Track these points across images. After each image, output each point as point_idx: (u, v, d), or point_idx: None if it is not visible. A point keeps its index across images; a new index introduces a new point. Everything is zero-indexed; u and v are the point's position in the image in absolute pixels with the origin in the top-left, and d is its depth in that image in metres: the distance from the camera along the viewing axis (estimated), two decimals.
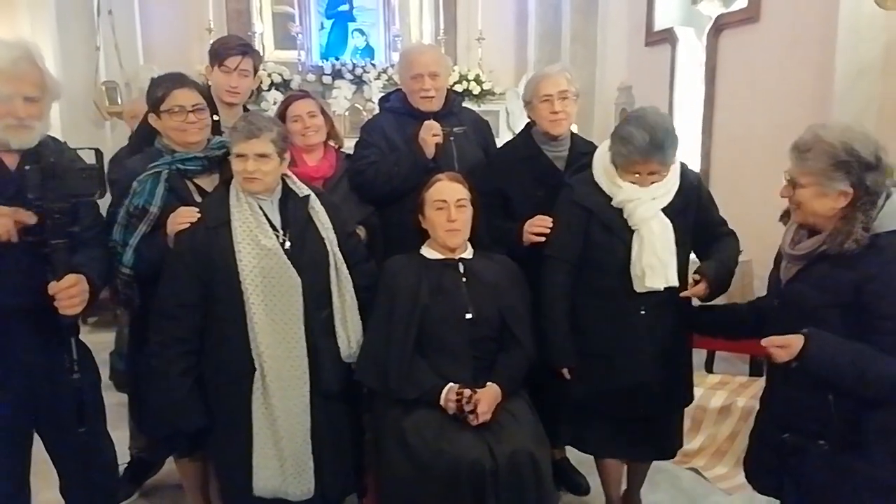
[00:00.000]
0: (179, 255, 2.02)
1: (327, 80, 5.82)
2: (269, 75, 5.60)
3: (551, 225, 2.30)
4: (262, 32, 5.97)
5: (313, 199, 2.15)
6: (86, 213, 1.95)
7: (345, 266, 2.15)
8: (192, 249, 2.01)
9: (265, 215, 2.05)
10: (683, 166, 2.23)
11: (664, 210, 2.13)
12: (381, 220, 2.71)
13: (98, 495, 2.12)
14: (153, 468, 2.89)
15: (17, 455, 1.98)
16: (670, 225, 2.12)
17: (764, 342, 1.69)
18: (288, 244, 2.04)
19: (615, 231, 2.15)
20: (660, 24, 5.18)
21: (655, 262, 2.08)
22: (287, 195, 2.12)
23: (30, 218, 1.75)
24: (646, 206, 2.11)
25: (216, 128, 2.32)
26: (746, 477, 2.06)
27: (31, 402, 1.94)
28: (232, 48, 2.58)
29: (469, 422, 1.98)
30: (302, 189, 2.14)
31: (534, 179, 2.51)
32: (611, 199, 2.15)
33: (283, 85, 5.68)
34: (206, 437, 2.14)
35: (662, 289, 2.10)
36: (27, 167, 1.78)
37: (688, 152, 4.72)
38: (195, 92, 2.16)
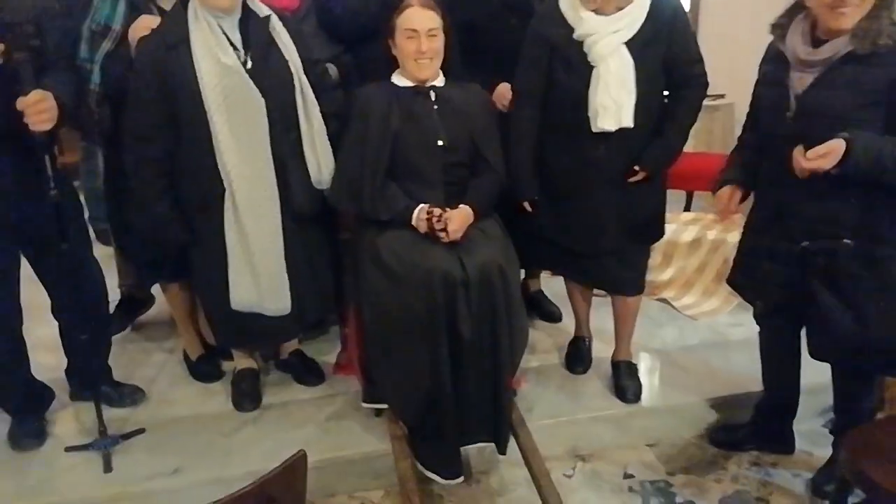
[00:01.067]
0: (142, 76, 2.00)
1: None
2: None
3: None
4: None
5: (275, 20, 2.09)
6: (51, 32, 1.94)
7: (310, 90, 2.13)
8: (153, 69, 1.98)
9: (224, 34, 2.00)
10: None
11: (629, 43, 2.06)
12: (353, 58, 2.64)
13: (89, 316, 2.22)
14: (144, 305, 3.01)
15: (7, 275, 2.06)
16: (631, 62, 2.06)
17: (809, 154, 1.67)
18: (250, 63, 2.01)
19: (574, 67, 2.10)
20: None
21: (609, 102, 2.05)
22: (248, 15, 2.05)
23: None
24: (606, 40, 2.05)
25: None
26: (742, 293, 2.15)
27: (14, 224, 1.99)
28: None
29: (440, 239, 2.04)
30: (263, 9, 2.08)
31: (503, 6, 2.42)
32: (573, 30, 2.09)
33: None
34: (188, 260, 2.23)
35: (614, 130, 2.08)
36: None
37: None
38: None
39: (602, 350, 2.63)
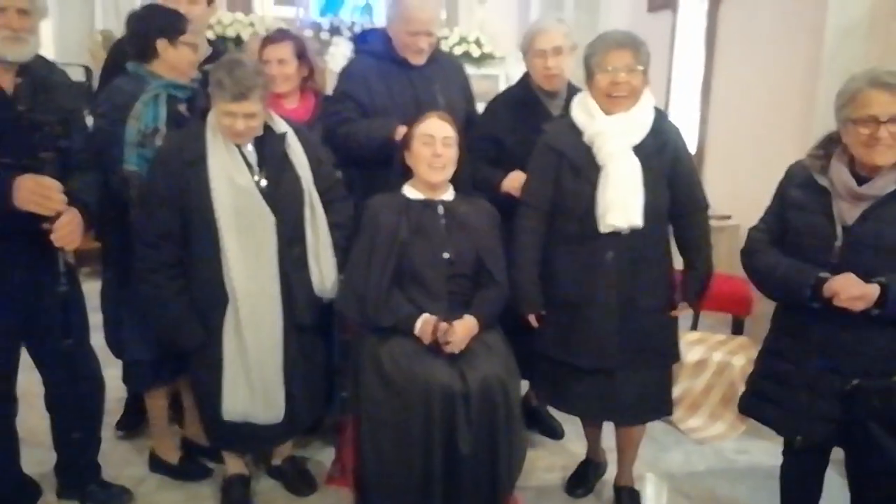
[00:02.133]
0: (154, 187, 2.07)
1: (325, 36, 5.81)
2: (266, 30, 5.59)
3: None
4: None
5: (290, 135, 2.18)
6: (77, 133, 2.03)
7: (319, 204, 2.20)
8: (166, 182, 2.05)
9: (241, 153, 2.08)
10: (660, 112, 2.22)
11: (635, 149, 2.11)
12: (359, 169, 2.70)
13: (84, 411, 2.19)
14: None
15: (5, 363, 2.06)
16: (639, 165, 2.09)
17: (843, 294, 1.71)
18: (264, 182, 2.08)
19: (583, 170, 2.13)
20: None
21: (618, 199, 2.06)
22: (265, 133, 2.14)
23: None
24: (615, 140, 2.09)
25: None
26: (769, 424, 2.02)
27: (19, 314, 2.01)
28: None
29: (443, 351, 2.04)
30: (280, 126, 2.18)
31: (530, 127, 2.48)
32: (582, 135, 2.14)
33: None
34: (187, 363, 2.23)
35: (626, 228, 2.07)
36: (19, 79, 1.85)
37: (685, 119, 4.76)
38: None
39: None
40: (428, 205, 2.25)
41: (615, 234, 2.09)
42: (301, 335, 2.19)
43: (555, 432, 2.89)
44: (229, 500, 2.35)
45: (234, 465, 2.41)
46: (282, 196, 2.10)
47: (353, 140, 2.53)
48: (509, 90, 2.77)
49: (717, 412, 3.05)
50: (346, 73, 2.71)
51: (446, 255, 2.18)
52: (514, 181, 2.41)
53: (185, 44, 2.23)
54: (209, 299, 2.09)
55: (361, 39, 2.80)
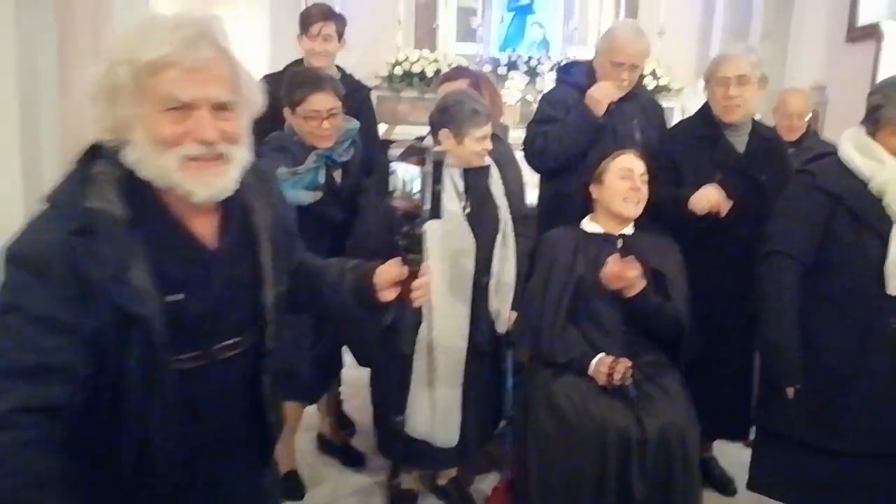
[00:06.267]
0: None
1: (502, 71, 5.97)
2: (448, 65, 5.86)
3: (721, 202, 2.20)
4: (444, 26, 6.21)
5: (493, 169, 2.31)
6: None
7: (512, 234, 2.28)
8: None
9: (452, 181, 2.21)
10: None
11: None
12: (540, 192, 2.77)
13: None
14: None
15: None
16: None
17: None
18: (468, 209, 2.21)
19: (869, 222, 1.84)
20: (864, 18, 4.76)
21: None
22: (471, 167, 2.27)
23: None
24: None
25: None
26: None
27: None
28: (314, 15, 2.76)
29: (621, 394, 1.99)
30: (485, 159, 2.29)
31: (711, 161, 2.41)
32: (866, 184, 1.86)
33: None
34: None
35: None
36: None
37: None
38: (332, 95, 2.24)
39: None
40: (607, 239, 2.24)
41: None
42: (479, 361, 2.26)
43: (727, 488, 2.72)
44: None
45: (406, 480, 2.51)
46: (482, 224, 2.21)
47: (552, 138, 2.54)
48: (689, 119, 2.68)
49: None
50: (547, 99, 2.77)
51: None
52: (705, 198, 2.24)
53: (304, 115, 2.22)
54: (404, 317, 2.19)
55: (565, 71, 2.84)
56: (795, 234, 1.93)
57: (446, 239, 2.15)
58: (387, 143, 2.75)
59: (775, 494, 2.10)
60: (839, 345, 1.89)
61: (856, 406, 1.87)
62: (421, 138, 2.35)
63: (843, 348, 1.88)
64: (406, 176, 1.29)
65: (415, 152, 1.32)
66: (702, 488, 2.08)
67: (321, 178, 2.24)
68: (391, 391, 2.26)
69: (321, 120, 2.22)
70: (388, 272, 1.32)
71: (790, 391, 1.94)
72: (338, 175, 2.35)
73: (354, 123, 2.42)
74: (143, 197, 1.07)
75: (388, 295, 1.32)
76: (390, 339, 2.15)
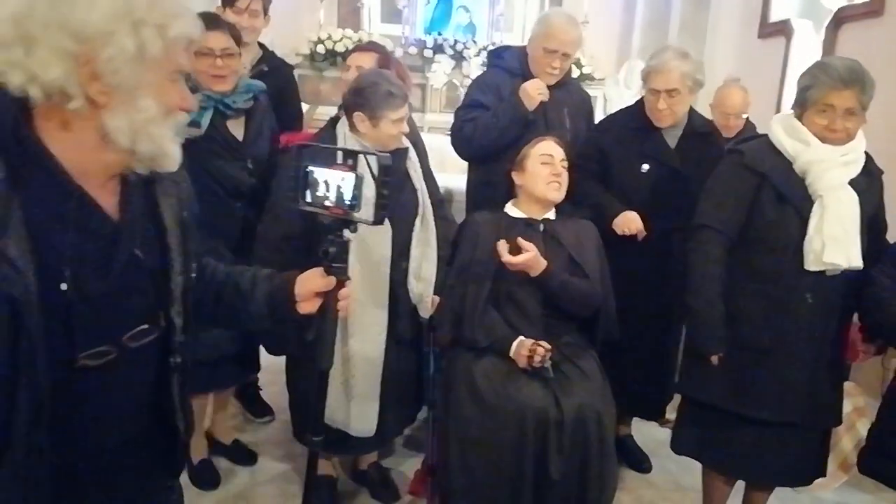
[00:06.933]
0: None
1: (428, 53, 5.93)
2: None
3: (641, 230, 2.33)
4: (368, 6, 6.11)
5: (412, 152, 2.25)
6: None
7: (432, 217, 2.23)
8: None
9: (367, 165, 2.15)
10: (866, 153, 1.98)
11: (850, 184, 1.88)
12: (469, 178, 2.78)
13: None
14: None
15: None
16: (857, 199, 1.87)
17: None
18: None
19: (792, 201, 1.89)
20: (776, 14, 4.97)
21: (840, 233, 1.82)
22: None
23: None
24: (836, 171, 1.86)
25: None
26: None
27: None
28: None
29: (538, 373, 2.01)
30: (403, 141, 2.24)
31: (640, 152, 2.46)
32: (791, 163, 1.91)
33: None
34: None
35: (843, 267, 1.84)
36: None
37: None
38: (227, 35, 2.17)
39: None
40: (529, 224, 2.25)
41: (817, 275, 1.88)
42: (399, 349, 2.22)
43: (641, 465, 2.81)
44: (319, 499, 2.40)
45: (322, 465, 2.46)
46: (399, 209, 2.15)
47: (481, 126, 2.55)
48: (625, 110, 2.72)
49: None
50: (478, 83, 2.77)
51: None
52: (626, 225, 2.38)
53: (197, 52, 2.09)
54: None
55: (496, 55, 2.83)
56: (722, 210, 1.98)
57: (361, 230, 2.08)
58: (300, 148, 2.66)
59: (696, 455, 2.19)
60: (760, 317, 1.94)
61: (774, 376, 1.94)
62: (335, 120, 2.28)
63: (764, 321, 1.94)
64: (332, 181, 1.24)
65: (348, 156, 1.26)
66: (617, 466, 2.12)
67: (203, 120, 2.12)
68: (308, 388, 2.18)
69: (214, 58, 2.14)
70: (310, 282, 1.23)
71: (714, 359, 2.00)
72: (238, 130, 2.25)
73: (261, 84, 2.34)
74: (28, 155, 0.92)
75: (307, 307, 1.24)
76: (307, 351, 2.10)
